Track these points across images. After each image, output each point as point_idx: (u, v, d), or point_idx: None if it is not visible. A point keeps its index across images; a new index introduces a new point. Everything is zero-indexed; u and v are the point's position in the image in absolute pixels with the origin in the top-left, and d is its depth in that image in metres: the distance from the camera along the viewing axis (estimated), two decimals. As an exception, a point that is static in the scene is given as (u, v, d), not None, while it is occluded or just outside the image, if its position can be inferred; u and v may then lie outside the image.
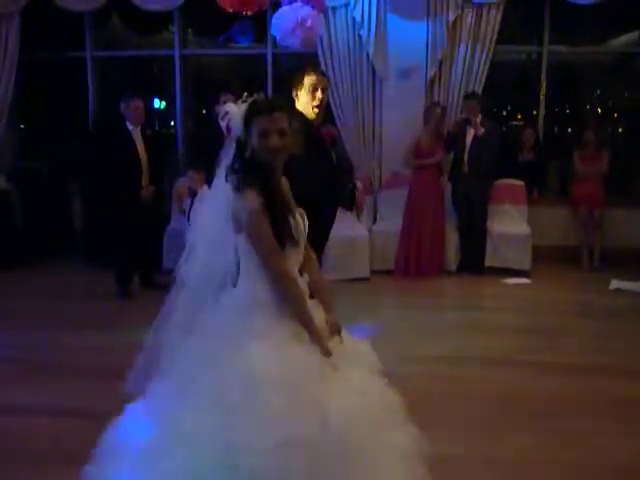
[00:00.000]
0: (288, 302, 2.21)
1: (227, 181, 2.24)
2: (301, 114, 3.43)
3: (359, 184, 4.25)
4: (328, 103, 4.21)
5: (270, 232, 2.18)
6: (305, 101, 3.52)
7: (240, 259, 2.27)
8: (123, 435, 2.19)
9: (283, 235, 2.22)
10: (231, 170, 2.24)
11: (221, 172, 2.28)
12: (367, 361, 2.32)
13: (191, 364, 2.18)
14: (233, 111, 2.28)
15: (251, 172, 2.22)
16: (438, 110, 6.87)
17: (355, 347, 2.34)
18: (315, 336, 2.19)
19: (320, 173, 3.42)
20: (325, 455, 1.99)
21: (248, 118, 2.24)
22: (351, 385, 2.15)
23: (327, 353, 2.17)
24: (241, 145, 2.25)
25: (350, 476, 2.02)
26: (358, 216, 4.34)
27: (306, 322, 2.20)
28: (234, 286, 2.30)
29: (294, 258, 2.30)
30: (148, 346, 2.37)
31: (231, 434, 1.97)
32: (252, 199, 2.17)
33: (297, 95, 3.54)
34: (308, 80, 3.53)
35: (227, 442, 1.97)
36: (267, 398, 2.01)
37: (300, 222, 2.33)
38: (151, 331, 2.37)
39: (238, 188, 2.20)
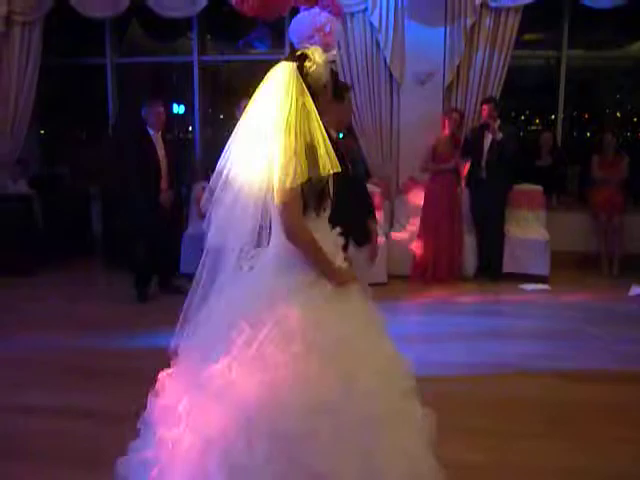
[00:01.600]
0: (308, 258, 2.22)
1: None
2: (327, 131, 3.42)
3: (376, 226, 4.03)
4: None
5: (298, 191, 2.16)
6: (342, 112, 3.53)
7: (272, 217, 2.26)
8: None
9: (320, 198, 2.23)
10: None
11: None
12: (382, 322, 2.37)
13: (227, 319, 2.19)
14: (320, 57, 2.28)
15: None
16: (456, 115, 6.86)
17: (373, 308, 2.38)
18: (337, 272, 2.24)
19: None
20: (349, 421, 2.02)
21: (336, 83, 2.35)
22: (377, 352, 2.21)
23: (352, 279, 2.26)
24: (316, 95, 2.25)
25: (374, 442, 2.06)
26: (371, 259, 4.02)
27: (326, 265, 2.23)
28: (267, 245, 2.29)
29: (324, 221, 2.30)
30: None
31: (261, 392, 2.02)
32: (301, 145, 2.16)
33: (332, 107, 3.53)
34: (348, 96, 3.55)
35: (256, 400, 2.01)
36: (299, 360, 2.05)
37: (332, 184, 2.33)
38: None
39: None
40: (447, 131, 6.83)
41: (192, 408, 2.13)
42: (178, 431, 2.14)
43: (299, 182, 2.13)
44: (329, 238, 2.32)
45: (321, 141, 2.18)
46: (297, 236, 2.19)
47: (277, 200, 2.16)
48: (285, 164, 2.13)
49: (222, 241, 2.26)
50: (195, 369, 2.18)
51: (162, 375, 2.30)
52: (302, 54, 2.27)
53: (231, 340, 2.14)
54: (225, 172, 2.23)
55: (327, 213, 2.31)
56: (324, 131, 2.21)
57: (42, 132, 8.88)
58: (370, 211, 3.96)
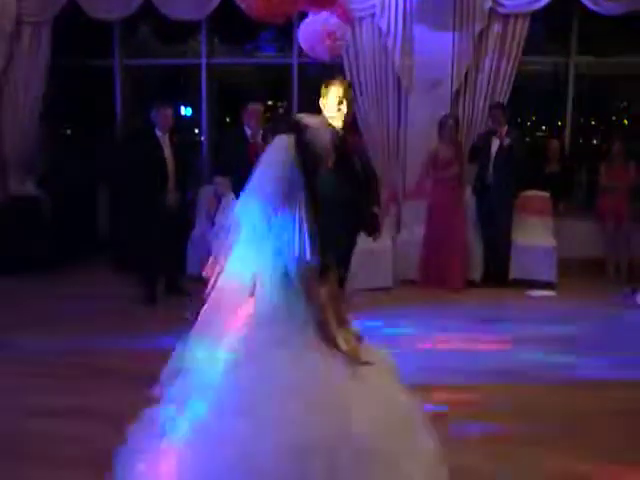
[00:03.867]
0: (315, 312, 2.21)
1: None
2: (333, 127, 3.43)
3: (378, 209, 4.15)
4: (353, 114, 4.25)
5: None
6: (331, 110, 3.55)
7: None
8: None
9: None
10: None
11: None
12: (387, 366, 2.34)
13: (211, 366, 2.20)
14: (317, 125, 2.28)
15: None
16: (451, 121, 6.86)
17: (376, 355, 2.35)
18: (336, 343, 2.20)
19: (345, 195, 3.43)
20: (345, 459, 1.98)
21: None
22: (372, 389, 2.16)
23: (347, 355, 2.19)
24: (317, 162, 2.26)
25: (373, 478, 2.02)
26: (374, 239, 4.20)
27: (331, 332, 2.21)
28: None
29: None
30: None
31: (249, 437, 1.98)
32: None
33: (323, 104, 3.57)
34: (334, 91, 3.58)
35: (244, 445, 1.98)
36: (285, 403, 2.02)
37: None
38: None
39: None
40: (443, 139, 6.83)
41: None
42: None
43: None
44: None
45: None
46: (312, 293, 2.19)
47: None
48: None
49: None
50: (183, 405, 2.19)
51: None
52: (299, 124, 2.25)
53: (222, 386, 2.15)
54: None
55: None
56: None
57: (50, 132, 8.90)
58: (373, 198, 4.02)
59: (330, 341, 2.19)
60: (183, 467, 2.09)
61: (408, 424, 2.18)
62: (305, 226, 2.14)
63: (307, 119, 2.27)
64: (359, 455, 2.00)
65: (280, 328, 2.20)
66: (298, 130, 2.22)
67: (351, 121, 3.85)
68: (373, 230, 4.01)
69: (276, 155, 2.21)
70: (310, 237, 2.15)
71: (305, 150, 2.20)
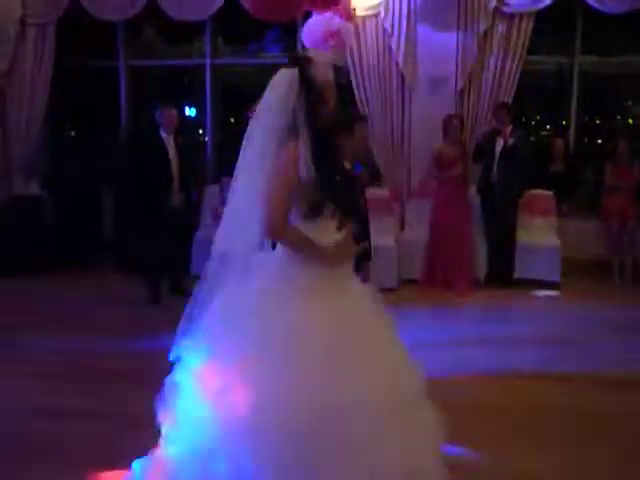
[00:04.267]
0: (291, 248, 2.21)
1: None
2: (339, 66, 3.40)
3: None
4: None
5: (291, 179, 2.13)
6: (354, 146, 3.56)
7: None
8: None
9: (320, 204, 2.20)
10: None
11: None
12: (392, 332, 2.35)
13: (237, 313, 2.19)
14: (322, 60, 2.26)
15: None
16: (455, 121, 6.86)
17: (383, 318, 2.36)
18: (325, 251, 2.20)
19: None
20: (356, 424, 2.02)
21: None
22: (383, 356, 2.20)
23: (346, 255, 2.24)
24: (320, 98, 2.22)
25: (380, 442, 2.06)
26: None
27: (311, 248, 2.20)
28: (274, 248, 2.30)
29: (326, 231, 2.25)
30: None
31: (274, 385, 2.02)
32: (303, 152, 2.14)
33: (343, 141, 3.54)
34: (362, 129, 3.59)
35: (266, 393, 2.01)
36: (302, 360, 2.05)
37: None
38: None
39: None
40: (448, 138, 6.83)
41: (195, 409, 2.14)
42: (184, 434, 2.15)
43: (285, 181, 2.12)
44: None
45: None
46: (277, 234, 2.18)
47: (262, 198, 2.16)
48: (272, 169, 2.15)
49: (228, 245, 2.26)
50: (192, 374, 2.21)
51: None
52: (303, 57, 2.25)
53: (225, 345, 2.15)
54: (234, 178, 2.25)
55: (326, 221, 2.26)
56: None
57: (54, 134, 8.92)
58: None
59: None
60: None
61: (411, 393, 2.22)
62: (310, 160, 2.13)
63: (312, 53, 2.26)
64: (373, 421, 2.04)
65: (296, 278, 2.20)
66: (301, 63, 2.21)
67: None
68: (359, 266, 3.91)
69: (276, 93, 2.19)
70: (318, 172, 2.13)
71: (307, 84, 2.18)
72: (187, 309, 2.29)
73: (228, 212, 2.28)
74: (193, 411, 2.17)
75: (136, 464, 2.41)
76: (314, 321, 2.11)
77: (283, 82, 2.18)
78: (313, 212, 2.19)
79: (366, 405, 2.05)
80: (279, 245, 2.26)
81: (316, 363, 2.05)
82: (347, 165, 3.54)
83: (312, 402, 2.00)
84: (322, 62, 2.23)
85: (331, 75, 2.23)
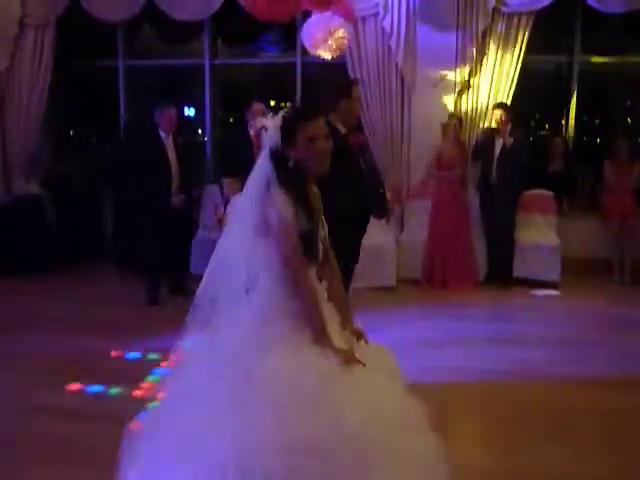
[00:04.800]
0: (304, 306, 2.21)
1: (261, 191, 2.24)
2: (334, 128, 3.42)
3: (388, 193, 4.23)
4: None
5: (296, 237, 2.19)
6: (352, 110, 3.58)
7: (261, 268, 2.26)
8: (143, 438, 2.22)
9: (311, 247, 2.24)
10: (274, 180, 2.24)
11: (250, 187, 2.30)
12: (387, 365, 2.35)
13: (208, 366, 2.20)
14: (270, 124, 2.29)
15: (289, 182, 2.24)
16: (455, 122, 6.87)
17: (376, 352, 2.37)
18: (328, 340, 2.20)
19: (352, 190, 3.44)
20: (339, 459, 1.98)
21: (292, 127, 2.25)
22: (368, 389, 2.15)
23: (339, 354, 2.18)
24: (279, 157, 2.26)
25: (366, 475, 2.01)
26: (388, 221, 4.38)
27: (320, 327, 2.21)
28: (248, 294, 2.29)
29: (313, 272, 2.32)
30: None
31: (247, 435, 1.98)
32: (286, 204, 2.19)
33: (340, 105, 3.57)
34: (356, 91, 3.61)
35: (243, 443, 1.97)
36: (282, 400, 2.02)
37: (323, 232, 2.36)
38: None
39: (272, 194, 2.21)
40: (447, 139, 6.82)
41: (176, 442, 2.12)
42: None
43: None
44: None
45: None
46: (304, 287, 2.21)
47: (280, 253, 2.19)
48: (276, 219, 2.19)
49: (214, 292, 2.29)
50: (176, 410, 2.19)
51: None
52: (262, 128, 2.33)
53: (212, 386, 2.14)
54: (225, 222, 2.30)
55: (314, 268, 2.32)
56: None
57: (54, 133, 8.93)
58: (382, 187, 4.03)
59: (319, 335, 2.19)
60: (171, 467, 2.07)
61: (406, 424, 2.15)
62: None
63: (267, 120, 2.31)
64: (356, 456, 1.99)
65: (278, 326, 2.20)
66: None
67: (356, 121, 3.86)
68: (383, 212, 4.01)
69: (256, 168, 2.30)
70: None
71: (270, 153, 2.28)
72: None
73: (216, 257, 2.33)
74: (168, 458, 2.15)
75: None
76: (297, 367, 2.11)
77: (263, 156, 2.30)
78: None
79: (353, 439, 2.01)
80: (260, 294, 2.26)
81: (301, 403, 2.03)
82: (342, 130, 3.58)
83: (295, 439, 1.97)
84: (270, 125, 2.28)
85: (285, 130, 2.26)
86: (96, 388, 4.07)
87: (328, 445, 1.98)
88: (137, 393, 3.95)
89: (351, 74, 7.23)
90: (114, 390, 4.00)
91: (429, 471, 2.13)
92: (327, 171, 2.31)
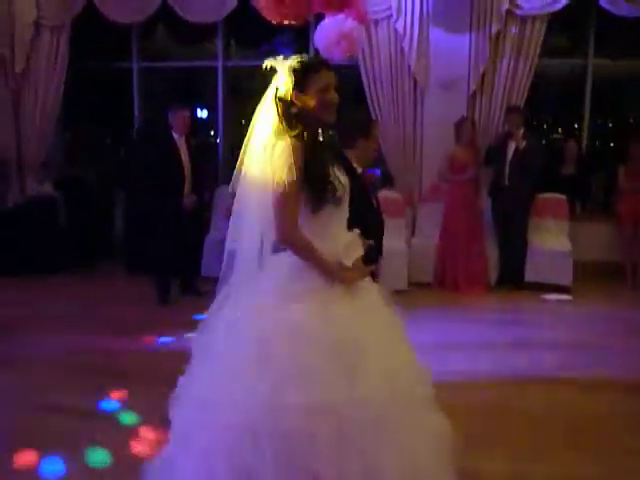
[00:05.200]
0: (296, 253, 2.22)
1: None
2: (351, 167, 3.37)
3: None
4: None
5: (294, 176, 2.15)
6: (370, 148, 3.57)
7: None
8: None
9: (323, 190, 2.21)
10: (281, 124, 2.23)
11: (258, 132, 2.28)
12: (400, 332, 2.36)
13: (235, 320, 2.22)
14: (282, 66, 2.28)
15: (293, 127, 2.22)
16: (469, 124, 6.85)
17: (390, 314, 2.37)
18: (335, 271, 2.22)
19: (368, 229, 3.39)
20: (351, 423, 2.02)
21: (306, 73, 2.25)
22: (388, 356, 2.19)
23: (342, 281, 2.22)
24: (284, 101, 2.25)
25: (377, 445, 2.05)
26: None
27: (321, 266, 2.21)
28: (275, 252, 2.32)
29: (336, 217, 2.29)
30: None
31: (272, 396, 2.02)
32: (287, 151, 2.18)
33: (358, 143, 3.54)
34: (375, 130, 3.60)
35: (259, 399, 2.02)
36: (304, 360, 2.06)
37: (343, 178, 2.32)
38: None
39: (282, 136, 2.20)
40: (461, 141, 6.82)
41: (200, 405, 2.15)
42: (188, 429, 2.17)
43: (290, 186, 2.14)
44: (337, 238, 2.30)
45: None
46: (288, 241, 2.21)
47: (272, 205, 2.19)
48: (277, 168, 2.17)
49: (236, 246, 2.30)
50: (203, 368, 2.22)
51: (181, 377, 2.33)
52: (270, 68, 2.32)
53: (238, 339, 2.16)
54: (239, 181, 2.28)
55: (336, 211, 2.28)
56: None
57: (68, 135, 9.00)
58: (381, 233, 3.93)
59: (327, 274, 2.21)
60: (197, 431, 2.13)
61: (415, 396, 2.21)
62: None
63: (277, 61, 2.32)
64: (365, 423, 2.03)
65: (306, 280, 2.21)
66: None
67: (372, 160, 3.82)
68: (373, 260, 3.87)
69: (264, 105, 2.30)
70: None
71: (275, 94, 2.27)
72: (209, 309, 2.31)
73: (235, 211, 2.32)
74: (195, 410, 2.18)
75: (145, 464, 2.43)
76: (319, 322, 2.13)
77: (268, 96, 2.30)
78: (315, 205, 2.22)
79: (366, 404, 2.05)
80: (281, 255, 2.28)
81: (317, 364, 2.06)
82: (359, 169, 3.56)
83: (311, 402, 2.01)
84: (281, 69, 2.28)
85: (296, 77, 2.25)
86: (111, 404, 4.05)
87: (341, 409, 2.02)
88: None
89: (364, 77, 7.24)
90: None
91: (435, 446, 2.17)
92: (334, 121, 2.31)
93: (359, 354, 2.12)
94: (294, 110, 2.24)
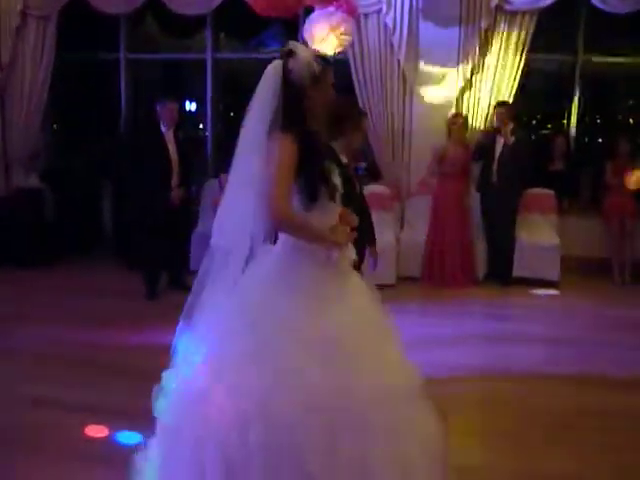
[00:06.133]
0: (291, 228, 2.20)
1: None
2: (339, 158, 3.35)
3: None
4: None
5: (290, 168, 2.13)
6: (354, 142, 3.55)
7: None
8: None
9: (318, 185, 2.20)
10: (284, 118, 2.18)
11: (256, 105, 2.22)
12: (391, 332, 2.35)
13: (232, 315, 2.20)
14: (306, 53, 2.22)
15: (296, 120, 2.19)
16: (460, 120, 6.85)
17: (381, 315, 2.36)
18: (327, 235, 2.20)
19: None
20: (344, 423, 2.02)
21: (325, 67, 2.23)
22: (382, 354, 2.20)
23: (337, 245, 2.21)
24: (295, 90, 2.20)
25: (369, 446, 2.05)
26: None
27: (314, 234, 2.20)
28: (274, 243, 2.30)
29: (330, 215, 2.27)
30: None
31: (258, 384, 2.02)
32: (290, 139, 2.14)
33: (347, 135, 3.52)
34: (364, 124, 3.61)
35: (252, 393, 2.02)
36: (296, 349, 2.06)
37: (338, 178, 2.31)
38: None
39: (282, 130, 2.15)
40: (452, 138, 6.81)
41: (191, 398, 2.14)
42: (177, 422, 2.16)
43: (285, 167, 2.11)
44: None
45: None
46: (280, 217, 2.15)
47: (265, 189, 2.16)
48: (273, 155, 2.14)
49: (224, 241, 2.26)
50: (194, 360, 2.21)
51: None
52: (289, 51, 2.23)
53: (230, 331, 2.15)
54: (230, 173, 2.25)
55: (329, 206, 2.26)
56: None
57: (54, 127, 8.91)
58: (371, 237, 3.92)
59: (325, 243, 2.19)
60: (195, 421, 2.12)
61: (405, 392, 2.20)
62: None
63: (298, 47, 2.24)
64: (357, 421, 2.03)
65: (299, 275, 2.20)
66: (285, 56, 2.22)
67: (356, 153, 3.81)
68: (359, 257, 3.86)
69: (263, 86, 2.21)
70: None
71: (286, 78, 2.19)
72: (187, 303, 2.28)
73: (223, 205, 2.29)
74: (186, 402, 2.17)
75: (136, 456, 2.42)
76: (308, 317, 2.13)
77: (269, 75, 2.20)
78: (309, 197, 2.19)
79: (356, 400, 2.05)
80: (281, 240, 2.26)
81: (307, 360, 2.06)
82: (346, 161, 3.54)
83: (302, 398, 2.01)
84: (304, 56, 2.20)
85: (317, 69, 2.20)
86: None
87: (333, 405, 2.01)
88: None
89: (353, 71, 7.21)
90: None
91: (428, 447, 2.17)
92: (328, 117, 2.31)
93: (349, 350, 2.12)
94: (305, 102, 2.21)
